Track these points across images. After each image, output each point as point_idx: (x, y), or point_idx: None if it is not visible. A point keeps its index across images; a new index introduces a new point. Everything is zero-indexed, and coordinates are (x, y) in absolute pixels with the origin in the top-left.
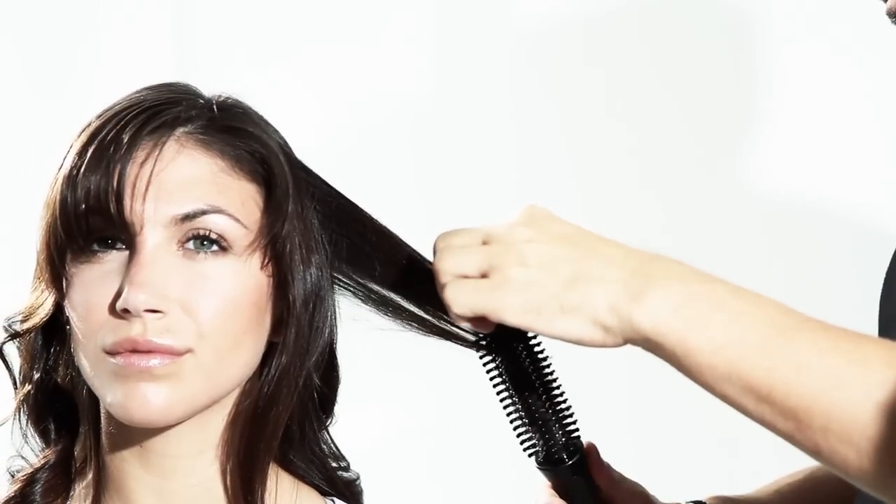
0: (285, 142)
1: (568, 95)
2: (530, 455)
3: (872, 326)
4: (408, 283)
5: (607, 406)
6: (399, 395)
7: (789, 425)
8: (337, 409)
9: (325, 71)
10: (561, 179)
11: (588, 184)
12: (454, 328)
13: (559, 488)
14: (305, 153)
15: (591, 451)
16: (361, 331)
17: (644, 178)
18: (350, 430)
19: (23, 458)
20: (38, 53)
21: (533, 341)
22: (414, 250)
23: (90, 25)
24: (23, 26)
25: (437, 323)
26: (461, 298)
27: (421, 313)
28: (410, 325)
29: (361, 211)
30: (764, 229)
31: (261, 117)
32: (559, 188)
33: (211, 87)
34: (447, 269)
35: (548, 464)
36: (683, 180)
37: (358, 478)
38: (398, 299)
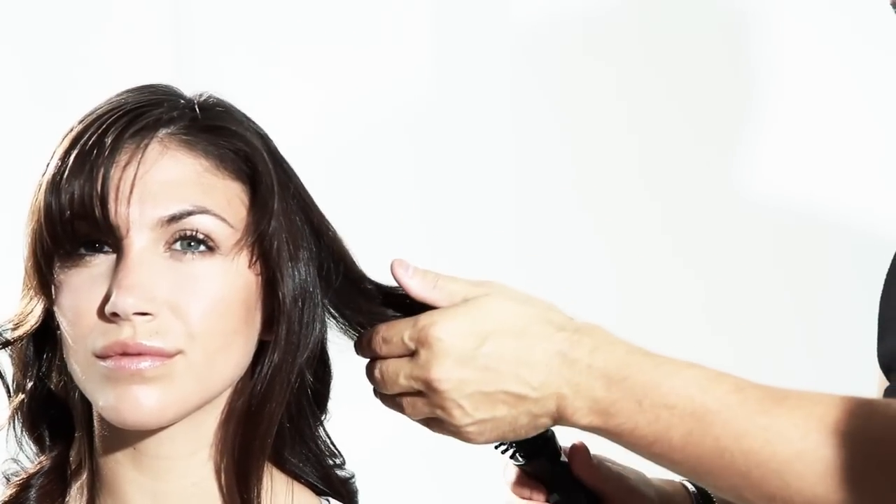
0: (269, 138)
1: (567, 94)
2: (503, 453)
3: (870, 328)
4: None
5: None
6: None
7: (733, 497)
8: (333, 406)
9: (323, 69)
10: (560, 178)
11: (587, 182)
12: None
13: (542, 480)
14: (304, 151)
15: (581, 450)
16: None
17: (643, 178)
18: (348, 431)
19: (16, 462)
20: (37, 56)
21: None
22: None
23: (89, 27)
24: (21, 28)
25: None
26: (435, 432)
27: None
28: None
29: (323, 220)
30: (764, 231)
31: (243, 115)
32: (558, 187)
33: (209, 86)
34: (409, 416)
35: (524, 460)
36: (683, 181)
37: (353, 476)
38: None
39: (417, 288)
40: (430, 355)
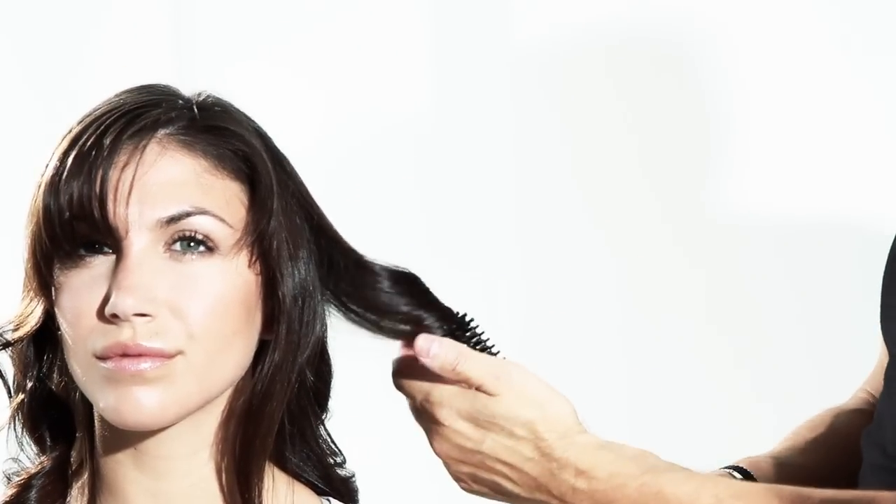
0: (268, 137)
1: (567, 103)
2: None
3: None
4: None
5: (607, 406)
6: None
7: None
8: (334, 405)
9: (325, 72)
10: (560, 185)
11: (588, 188)
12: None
13: None
14: (306, 155)
15: None
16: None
17: (644, 179)
18: (349, 430)
19: (17, 462)
20: (36, 56)
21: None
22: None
23: (88, 27)
24: (21, 28)
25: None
26: None
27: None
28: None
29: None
30: (765, 231)
31: (242, 114)
32: (558, 193)
33: (209, 87)
34: None
35: None
36: (684, 182)
37: (353, 475)
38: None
39: (438, 370)
40: (432, 431)
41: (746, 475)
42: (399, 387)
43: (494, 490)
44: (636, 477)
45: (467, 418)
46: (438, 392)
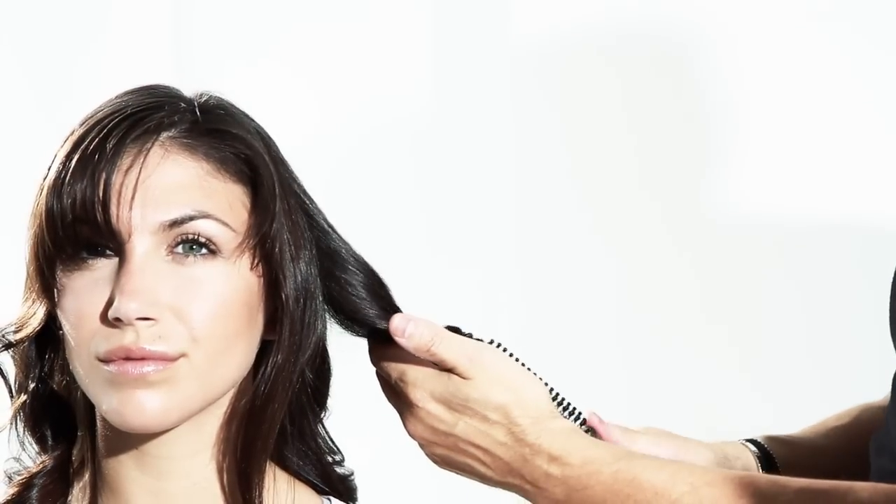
0: (269, 138)
1: (567, 102)
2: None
3: (867, 328)
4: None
5: (606, 405)
6: None
7: None
8: (333, 404)
9: (325, 72)
10: (559, 183)
11: (587, 187)
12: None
13: None
14: (305, 155)
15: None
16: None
17: (643, 180)
18: (349, 430)
19: (18, 461)
20: (37, 57)
21: None
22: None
23: (89, 27)
24: (21, 29)
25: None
26: None
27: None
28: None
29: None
30: (765, 232)
31: (243, 115)
32: (557, 191)
33: (211, 90)
34: None
35: None
36: (683, 183)
37: (352, 473)
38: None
39: (413, 349)
40: (407, 412)
41: (761, 449)
42: (374, 365)
43: (468, 472)
44: (610, 463)
45: (440, 401)
46: (413, 373)
